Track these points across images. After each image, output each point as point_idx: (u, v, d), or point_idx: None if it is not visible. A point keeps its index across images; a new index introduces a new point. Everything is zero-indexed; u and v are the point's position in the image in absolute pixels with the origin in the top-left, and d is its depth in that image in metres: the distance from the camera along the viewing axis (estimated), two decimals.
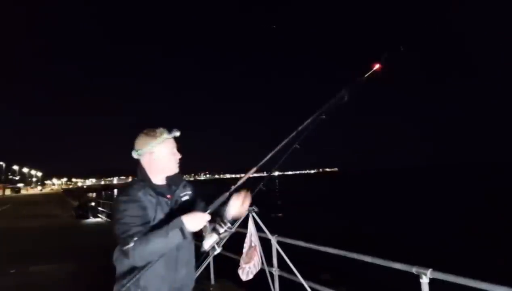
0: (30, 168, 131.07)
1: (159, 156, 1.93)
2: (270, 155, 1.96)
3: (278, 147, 2.01)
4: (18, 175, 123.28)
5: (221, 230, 1.77)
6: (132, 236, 1.69)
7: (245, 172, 1.97)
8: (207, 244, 1.77)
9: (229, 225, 1.79)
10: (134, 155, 1.97)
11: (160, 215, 1.85)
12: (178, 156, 2.01)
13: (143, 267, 1.72)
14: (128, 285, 1.73)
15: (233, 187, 1.88)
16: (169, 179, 2.00)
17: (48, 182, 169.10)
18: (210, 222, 1.80)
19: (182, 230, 1.68)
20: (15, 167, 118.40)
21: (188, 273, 1.99)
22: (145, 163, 1.95)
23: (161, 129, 1.95)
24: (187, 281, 1.99)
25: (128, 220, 1.74)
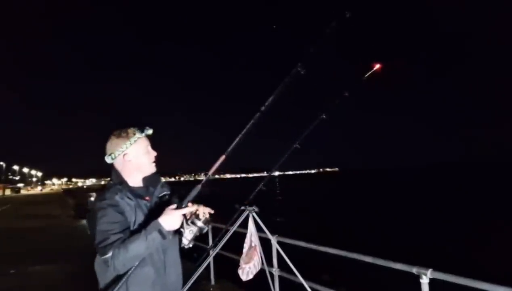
0: (30, 168, 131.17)
1: (133, 156, 1.87)
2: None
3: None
4: (18, 175, 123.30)
5: (199, 223, 1.73)
6: (110, 245, 1.63)
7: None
8: (185, 239, 1.73)
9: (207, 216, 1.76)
10: (108, 159, 1.89)
11: (140, 218, 1.79)
12: (153, 153, 1.94)
13: (125, 274, 1.68)
14: None
15: (204, 178, 1.82)
16: (146, 180, 1.93)
17: (48, 182, 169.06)
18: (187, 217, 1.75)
19: (160, 232, 1.63)
20: (15, 167, 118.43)
21: (177, 274, 1.95)
22: (119, 165, 1.88)
23: (132, 129, 1.89)
24: (177, 284, 1.94)
25: (106, 227, 1.68)
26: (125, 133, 1.88)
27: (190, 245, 1.79)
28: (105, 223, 1.69)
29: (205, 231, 1.78)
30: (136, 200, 1.82)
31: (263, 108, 1.93)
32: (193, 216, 1.75)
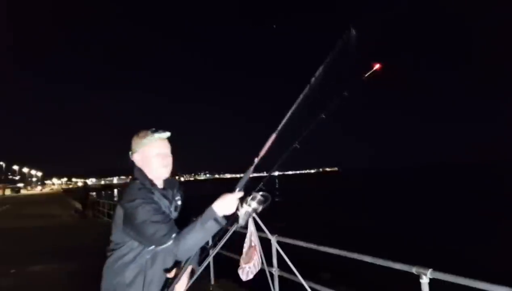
0: (30, 168, 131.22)
1: (146, 157, 1.90)
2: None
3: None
4: (18, 175, 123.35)
5: (253, 204, 1.72)
6: (168, 234, 1.66)
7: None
8: (242, 219, 1.73)
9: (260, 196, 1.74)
10: (130, 156, 1.96)
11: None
12: (167, 158, 1.94)
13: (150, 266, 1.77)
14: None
15: (257, 160, 1.76)
16: (166, 182, 1.97)
17: (48, 182, 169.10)
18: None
19: (216, 220, 1.66)
20: (15, 167, 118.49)
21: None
22: (138, 163, 1.93)
23: (149, 130, 1.92)
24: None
25: (155, 217, 1.70)
26: (142, 133, 1.92)
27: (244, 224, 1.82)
28: (151, 214, 1.71)
29: (259, 210, 1.76)
30: (165, 201, 1.88)
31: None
32: (248, 197, 1.75)
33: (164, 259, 1.81)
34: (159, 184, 1.93)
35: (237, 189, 1.73)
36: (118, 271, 1.79)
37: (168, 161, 1.94)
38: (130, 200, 1.75)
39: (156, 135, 1.91)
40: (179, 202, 2.01)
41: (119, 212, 1.80)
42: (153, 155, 1.90)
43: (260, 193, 1.72)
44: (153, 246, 1.72)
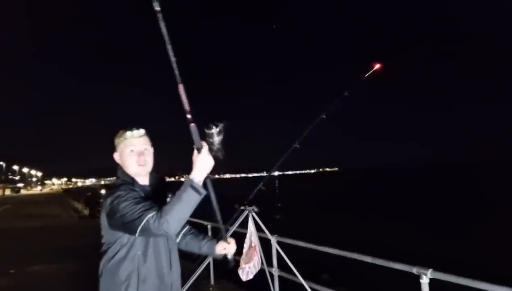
0: (30, 168, 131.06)
1: (122, 155, 1.94)
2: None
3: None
4: (18, 175, 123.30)
5: (216, 137, 1.68)
6: (150, 213, 1.61)
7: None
8: (219, 152, 1.70)
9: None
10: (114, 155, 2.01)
11: None
12: (141, 155, 1.92)
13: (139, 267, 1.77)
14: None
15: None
16: (152, 180, 1.99)
17: (48, 182, 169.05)
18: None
19: (192, 187, 1.60)
20: (15, 167, 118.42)
21: (178, 273, 2.00)
22: (119, 163, 1.97)
23: (124, 129, 1.95)
24: (178, 282, 1.99)
25: (137, 203, 1.68)
26: (120, 132, 1.96)
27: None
28: (131, 201, 1.69)
29: (222, 136, 1.71)
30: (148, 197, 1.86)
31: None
32: (210, 139, 1.69)
33: (156, 253, 1.84)
34: (141, 181, 1.94)
35: (196, 147, 1.66)
36: (112, 271, 1.80)
37: (144, 158, 1.93)
38: (109, 195, 1.78)
39: (129, 133, 1.92)
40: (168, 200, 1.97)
41: (103, 210, 1.83)
42: (127, 152, 1.92)
43: (212, 127, 1.67)
44: (139, 230, 1.64)
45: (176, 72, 1.56)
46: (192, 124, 1.64)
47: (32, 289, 6.03)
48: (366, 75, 2.28)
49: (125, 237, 1.79)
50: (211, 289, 5.64)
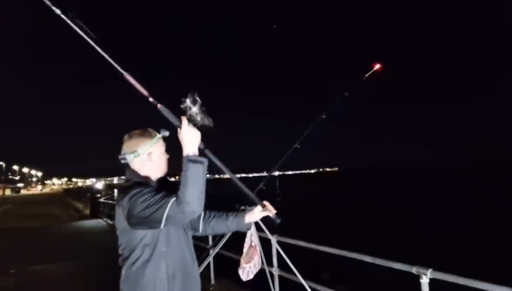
0: (30, 168, 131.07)
1: (156, 156, 1.90)
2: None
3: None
4: (18, 175, 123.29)
5: (194, 109, 1.68)
6: (168, 195, 1.62)
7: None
8: (205, 119, 1.71)
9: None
10: (129, 157, 1.87)
11: None
12: (167, 156, 1.99)
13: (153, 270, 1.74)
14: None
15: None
16: (159, 181, 1.94)
17: (48, 182, 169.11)
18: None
19: (191, 160, 1.61)
20: (15, 167, 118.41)
21: (197, 269, 1.98)
22: (140, 164, 1.88)
23: (152, 129, 1.93)
24: (198, 279, 1.97)
25: (153, 193, 1.67)
26: (148, 132, 1.90)
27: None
28: (149, 195, 1.66)
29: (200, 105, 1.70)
30: None
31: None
32: (190, 112, 1.70)
33: (179, 249, 1.82)
34: (155, 184, 1.92)
35: (176, 125, 1.68)
36: (138, 274, 1.74)
37: (167, 157, 1.99)
38: (124, 195, 1.73)
39: (162, 133, 1.92)
40: None
41: (119, 213, 1.76)
42: (160, 153, 1.93)
43: (186, 100, 1.68)
44: (164, 218, 1.61)
45: (114, 64, 1.55)
46: (159, 105, 1.64)
47: (33, 289, 6.03)
48: (366, 76, 2.29)
49: (148, 236, 1.74)
50: (211, 288, 5.64)
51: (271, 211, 2.09)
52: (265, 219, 2.22)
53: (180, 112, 1.68)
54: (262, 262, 3.58)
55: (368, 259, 3.19)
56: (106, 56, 1.55)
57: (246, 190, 1.98)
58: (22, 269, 7.18)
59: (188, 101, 1.67)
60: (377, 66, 2.36)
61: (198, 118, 1.68)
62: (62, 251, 9.05)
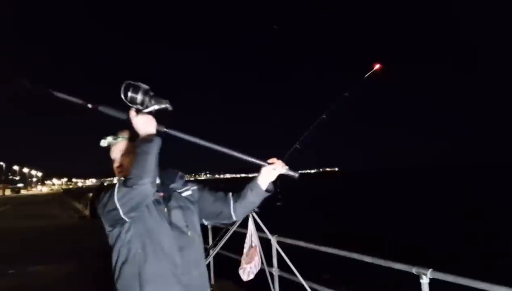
0: (30, 168, 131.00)
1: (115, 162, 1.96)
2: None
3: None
4: (18, 175, 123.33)
5: (142, 97, 1.63)
6: (125, 183, 1.59)
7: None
8: (163, 103, 1.66)
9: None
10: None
11: (154, 212, 1.76)
12: (116, 164, 1.93)
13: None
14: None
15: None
16: (161, 176, 1.88)
17: (48, 182, 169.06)
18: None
19: (143, 140, 1.60)
20: (15, 167, 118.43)
21: (200, 274, 1.86)
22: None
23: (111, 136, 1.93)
24: (201, 284, 1.86)
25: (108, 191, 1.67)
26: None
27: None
28: (101, 195, 1.70)
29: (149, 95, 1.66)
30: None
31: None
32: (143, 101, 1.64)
33: (161, 252, 1.72)
34: None
35: (125, 117, 1.65)
36: (118, 274, 1.73)
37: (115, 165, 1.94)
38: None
39: (107, 141, 1.91)
40: (187, 193, 1.95)
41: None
42: (113, 158, 1.95)
43: (127, 93, 1.62)
44: (119, 206, 1.60)
45: (34, 85, 1.55)
46: (100, 107, 1.62)
47: (32, 289, 6.03)
48: (366, 76, 2.29)
49: (123, 234, 1.72)
50: (211, 288, 5.65)
51: (282, 167, 1.95)
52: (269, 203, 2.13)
53: (124, 108, 1.63)
54: (262, 262, 3.59)
55: (368, 259, 3.19)
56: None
57: (245, 156, 1.84)
58: (22, 269, 7.18)
59: (130, 92, 1.60)
60: (377, 66, 2.36)
61: (146, 102, 1.62)
62: (61, 251, 9.04)
